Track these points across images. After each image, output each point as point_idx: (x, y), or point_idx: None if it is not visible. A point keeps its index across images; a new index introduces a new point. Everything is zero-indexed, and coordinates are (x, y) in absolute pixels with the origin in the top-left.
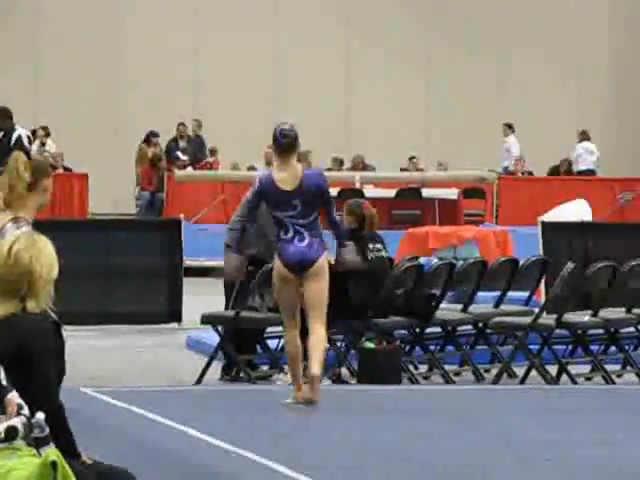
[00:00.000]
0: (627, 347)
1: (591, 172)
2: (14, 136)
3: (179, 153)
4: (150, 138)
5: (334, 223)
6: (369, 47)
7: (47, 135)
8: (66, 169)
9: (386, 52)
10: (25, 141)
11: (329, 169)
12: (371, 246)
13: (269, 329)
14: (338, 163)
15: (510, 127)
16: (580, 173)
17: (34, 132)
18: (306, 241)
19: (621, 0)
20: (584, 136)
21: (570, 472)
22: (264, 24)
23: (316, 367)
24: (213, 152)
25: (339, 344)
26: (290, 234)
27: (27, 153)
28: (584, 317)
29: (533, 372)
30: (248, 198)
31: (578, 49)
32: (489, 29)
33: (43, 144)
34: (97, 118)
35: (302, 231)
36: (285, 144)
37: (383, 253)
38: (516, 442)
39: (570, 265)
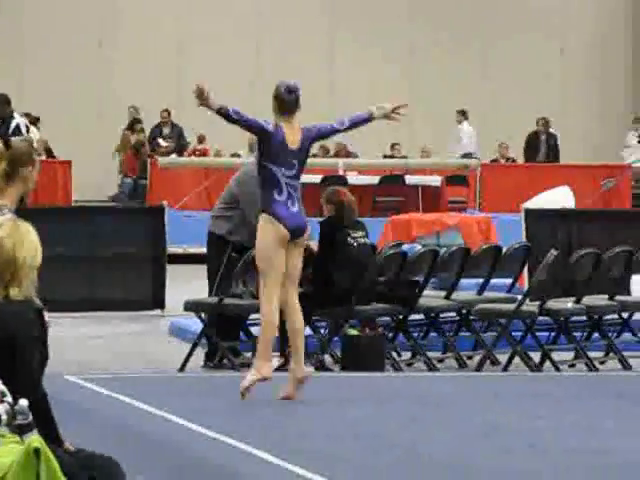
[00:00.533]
0: (610, 334)
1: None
2: (12, 124)
3: (160, 140)
4: (134, 125)
5: (335, 127)
6: (352, 33)
7: (32, 122)
8: (50, 156)
9: (368, 38)
10: (23, 130)
11: (314, 155)
12: (353, 234)
13: (252, 316)
14: (323, 151)
15: (463, 114)
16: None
17: None
18: (296, 206)
19: None
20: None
21: (553, 458)
22: (248, 9)
23: (303, 366)
24: (201, 139)
25: (322, 331)
26: (284, 196)
27: (7, 142)
28: (567, 304)
29: (516, 359)
30: (252, 118)
31: (562, 35)
32: (473, 14)
33: (27, 130)
34: (80, 105)
35: (294, 195)
36: (293, 100)
37: (365, 240)
38: (499, 429)
39: (553, 252)
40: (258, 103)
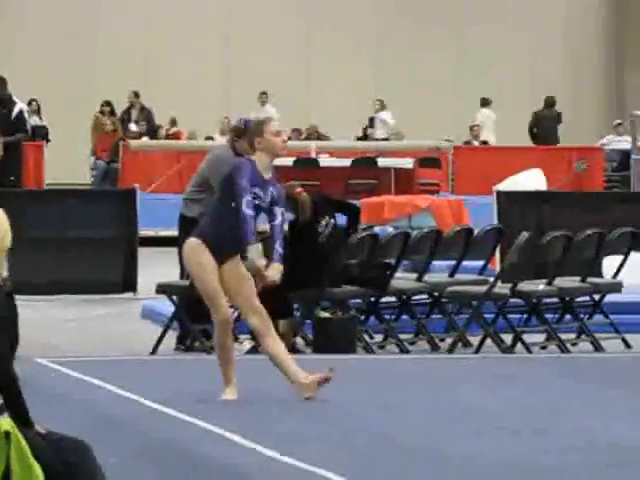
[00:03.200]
0: (582, 316)
1: (386, 140)
2: (16, 109)
3: (132, 125)
4: (105, 108)
5: None
6: (325, 20)
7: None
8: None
9: (338, 29)
10: (26, 116)
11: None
12: (319, 228)
13: None
14: (297, 133)
15: (264, 94)
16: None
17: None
18: None
19: None
20: (382, 106)
21: (525, 440)
22: (219, 3)
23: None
24: (173, 122)
25: (294, 313)
26: None
27: (26, 130)
28: (539, 286)
29: (488, 341)
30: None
31: (534, 17)
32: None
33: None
34: (53, 88)
35: None
36: None
37: (329, 229)
38: (471, 410)
39: (525, 234)
40: (227, 93)
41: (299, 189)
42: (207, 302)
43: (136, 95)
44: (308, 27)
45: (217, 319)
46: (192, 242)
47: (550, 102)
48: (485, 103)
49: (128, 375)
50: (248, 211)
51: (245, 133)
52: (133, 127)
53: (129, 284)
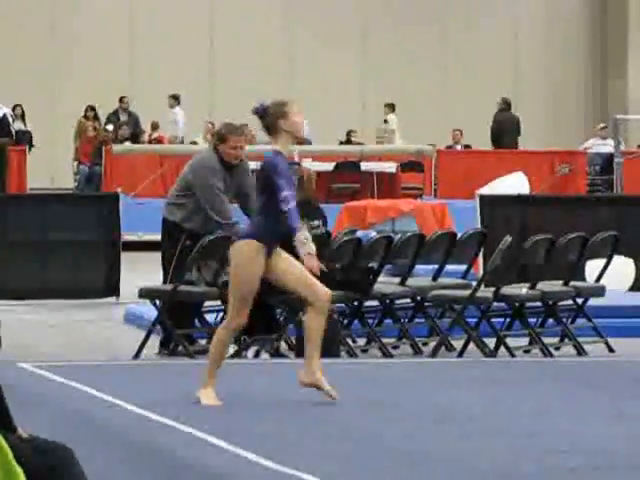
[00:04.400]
0: (565, 320)
1: (309, 142)
2: None
3: (109, 125)
4: (89, 113)
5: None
6: (306, 20)
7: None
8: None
9: (322, 24)
10: (10, 121)
11: (270, 142)
12: (311, 223)
13: (207, 303)
14: None
15: (176, 98)
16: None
17: None
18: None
19: None
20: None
21: (509, 443)
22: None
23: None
24: (154, 126)
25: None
26: None
27: (10, 133)
28: (522, 290)
29: (471, 345)
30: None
31: (517, 20)
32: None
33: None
34: (34, 92)
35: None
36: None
37: (322, 230)
38: (454, 414)
39: (508, 238)
40: (212, 93)
41: (305, 167)
42: (234, 303)
43: (124, 100)
44: (292, 33)
45: (234, 323)
46: (253, 244)
47: (507, 105)
48: (393, 109)
49: (111, 380)
50: (287, 206)
51: (264, 117)
52: (110, 127)
53: (112, 288)
